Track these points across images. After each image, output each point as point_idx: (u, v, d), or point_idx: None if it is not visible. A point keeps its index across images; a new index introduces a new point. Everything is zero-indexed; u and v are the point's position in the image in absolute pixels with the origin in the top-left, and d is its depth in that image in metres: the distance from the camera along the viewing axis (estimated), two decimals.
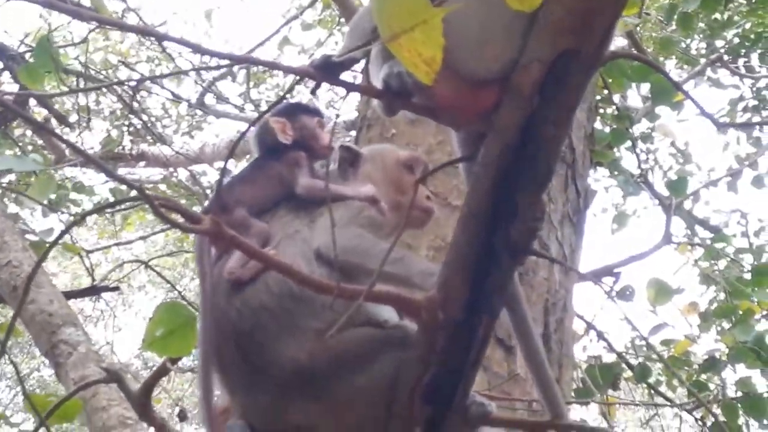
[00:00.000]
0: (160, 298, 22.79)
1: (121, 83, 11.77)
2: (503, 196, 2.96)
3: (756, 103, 13.67)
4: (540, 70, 2.82)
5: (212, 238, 3.24)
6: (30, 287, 3.31)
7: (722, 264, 9.49)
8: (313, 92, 3.05)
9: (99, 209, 4.52)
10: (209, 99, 14.95)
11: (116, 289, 10.00)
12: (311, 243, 3.52)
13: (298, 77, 2.93)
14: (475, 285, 3.05)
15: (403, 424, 3.25)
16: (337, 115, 15.00)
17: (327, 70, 2.92)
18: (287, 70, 3.38)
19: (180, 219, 2.99)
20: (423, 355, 3.17)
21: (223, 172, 3.09)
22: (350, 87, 3.06)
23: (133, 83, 12.18)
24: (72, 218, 10.95)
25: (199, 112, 15.22)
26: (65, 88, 9.66)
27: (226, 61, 2.83)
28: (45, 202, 10.08)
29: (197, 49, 3.11)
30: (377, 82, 3.10)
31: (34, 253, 7.10)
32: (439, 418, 3.22)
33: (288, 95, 3.62)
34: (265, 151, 4.02)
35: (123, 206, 12.98)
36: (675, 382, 9.59)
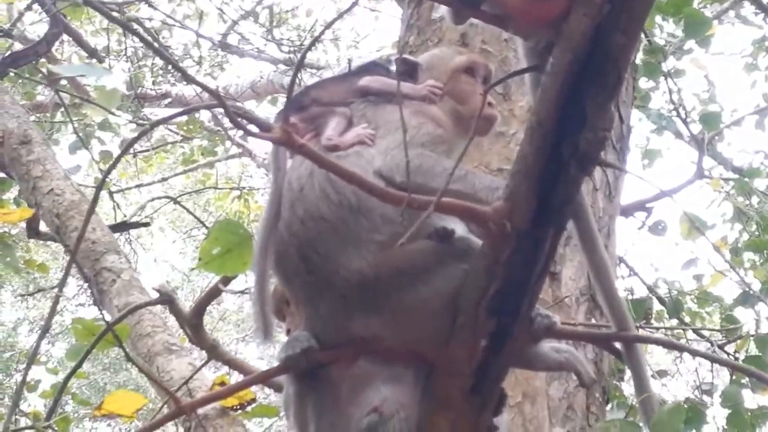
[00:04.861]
0: (179, 242, 22.84)
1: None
2: (572, 105, 2.94)
3: None
4: None
5: (283, 146, 3.24)
6: (88, 222, 3.30)
7: (754, 200, 9.45)
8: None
9: (173, 116, 4.42)
10: (231, 39, 14.91)
11: (147, 224, 10.03)
12: (372, 164, 3.49)
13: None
14: (542, 196, 3.04)
15: (467, 336, 3.24)
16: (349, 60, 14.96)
17: None
18: None
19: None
20: (489, 266, 3.15)
21: (292, 84, 3.07)
22: None
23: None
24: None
25: (221, 53, 15.18)
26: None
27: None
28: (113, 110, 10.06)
29: None
30: None
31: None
32: (503, 330, 3.22)
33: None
34: (361, 69, 4.09)
35: (147, 147, 12.97)
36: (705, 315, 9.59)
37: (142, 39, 13.30)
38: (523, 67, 3.38)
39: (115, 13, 11.77)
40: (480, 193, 3.31)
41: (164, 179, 16.26)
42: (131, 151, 13.12)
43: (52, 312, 3.35)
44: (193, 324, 5.26)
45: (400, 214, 3.02)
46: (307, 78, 12.31)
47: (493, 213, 3.07)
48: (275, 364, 3.53)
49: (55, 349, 20.21)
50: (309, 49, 3.04)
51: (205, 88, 3.13)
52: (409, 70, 3.93)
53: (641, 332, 3.85)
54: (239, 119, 2.90)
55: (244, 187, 16.30)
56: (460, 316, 3.24)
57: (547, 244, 3.14)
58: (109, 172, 3.15)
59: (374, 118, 3.69)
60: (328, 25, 3.20)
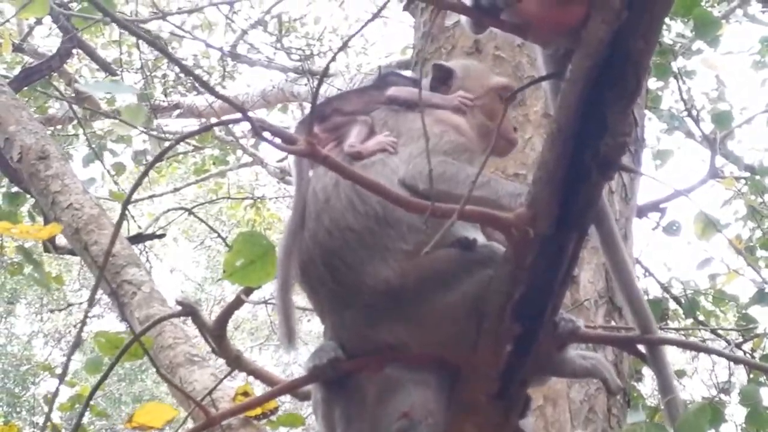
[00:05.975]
0: (190, 253, 22.89)
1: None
2: (592, 111, 2.96)
3: None
4: None
5: (307, 157, 3.28)
6: (114, 243, 3.33)
7: (766, 198, 9.46)
8: (406, 8, 3.07)
9: (197, 132, 4.42)
10: (240, 49, 14.95)
11: (162, 236, 10.05)
12: (396, 173, 3.53)
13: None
14: (564, 201, 3.06)
15: (492, 341, 3.26)
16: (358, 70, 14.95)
17: None
18: None
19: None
20: (513, 272, 3.18)
21: (315, 98, 3.10)
22: (438, 4, 3.07)
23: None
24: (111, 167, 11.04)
25: (230, 63, 15.21)
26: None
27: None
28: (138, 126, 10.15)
29: None
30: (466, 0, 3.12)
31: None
32: (528, 334, 3.24)
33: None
34: (381, 80, 4.12)
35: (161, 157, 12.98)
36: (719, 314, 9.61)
37: (160, 50, 13.35)
38: (541, 75, 3.41)
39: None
40: (503, 199, 3.34)
41: (176, 189, 16.30)
42: (143, 161, 13.17)
43: (81, 327, 3.38)
44: (217, 335, 5.29)
45: (423, 223, 3.05)
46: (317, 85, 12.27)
47: (515, 219, 3.09)
48: (298, 372, 3.58)
49: (71, 362, 20.21)
50: (332, 60, 3.05)
51: (228, 101, 3.16)
52: (443, 77, 3.98)
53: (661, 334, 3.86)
54: (264, 132, 2.93)
55: (257, 197, 16.36)
56: (485, 322, 3.26)
57: (570, 249, 3.16)
58: (134, 189, 3.17)
59: (396, 126, 3.72)
60: (351, 37, 3.24)
